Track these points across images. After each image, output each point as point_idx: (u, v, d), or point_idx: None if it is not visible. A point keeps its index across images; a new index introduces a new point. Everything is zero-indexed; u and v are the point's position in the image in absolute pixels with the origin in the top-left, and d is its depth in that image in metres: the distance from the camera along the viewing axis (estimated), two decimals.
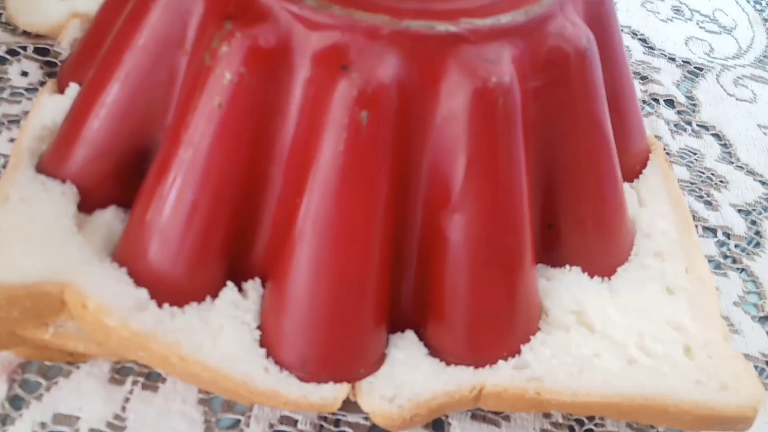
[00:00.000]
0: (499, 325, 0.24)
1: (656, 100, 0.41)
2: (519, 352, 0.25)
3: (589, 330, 0.25)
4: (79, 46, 0.29)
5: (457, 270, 0.23)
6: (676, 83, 0.43)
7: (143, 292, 0.23)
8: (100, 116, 0.25)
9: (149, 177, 0.24)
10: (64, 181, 0.25)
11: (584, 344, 0.25)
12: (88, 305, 0.22)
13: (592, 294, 0.26)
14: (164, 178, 0.23)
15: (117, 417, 0.24)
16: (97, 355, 0.24)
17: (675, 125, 0.40)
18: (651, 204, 0.29)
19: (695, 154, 0.39)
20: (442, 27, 0.21)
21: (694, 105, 0.42)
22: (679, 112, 0.41)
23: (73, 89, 0.28)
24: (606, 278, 0.27)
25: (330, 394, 0.23)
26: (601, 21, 0.27)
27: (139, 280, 0.24)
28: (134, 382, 0.25)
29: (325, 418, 0.25)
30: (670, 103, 0.42)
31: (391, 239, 0.23)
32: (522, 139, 0.23)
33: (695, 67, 0.44)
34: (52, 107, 0.28)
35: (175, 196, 0.23)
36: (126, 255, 0.24)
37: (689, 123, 0.41)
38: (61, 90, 0.29)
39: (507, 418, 0.26)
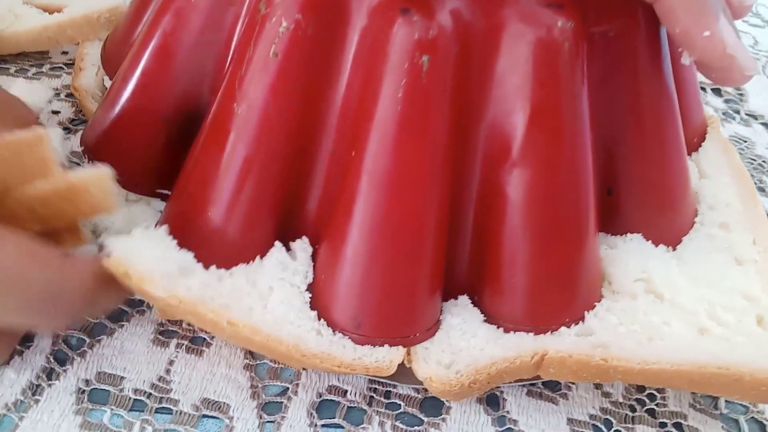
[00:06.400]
0: (562, 291, 0.23)
1: (704, 89, 0.41)
2: (582, 319, 0.23)
3: (657, 298, 0.24)
4: (125, 16, 0.29)
5: (517, 230, 0.22)
6: None
7: (188, 256, 0.22)
8: (146, 80, 0.25)
9: (201, 134, 0.23)
10: None
11: (653, 312, 0.23)
12: (131, 275, 0.21)
13: (658, 262, 0.25)
14: (217, 134, 0.22)
15: (161, 379, 0.23)
16: None
17: (724, 113, 0.40)
18: (713, 176, 0.28)
19: (746, 141, 0.38)
20: None
21: (741, 95, 0.41)
22: (726, 101, 0.41)
23: None
24: (671, 247, 0.25)
25: (385, 357, 0.22)
26: None
27: (185, 242, 0.23)
28: (178, 345, 0.24)
29: (375, 390, 0.24)
30: (717, 92, 0.41)
31: (449, 194, 0.22)
32: (586, 91, 0.22)
33: None
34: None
35: (228, 151, 0.22)
36: (174, 215, 0.23)
37: (737, 112, 0.40)
38: (105, 62, 0.29)
39: (564, 395, 0.25)
